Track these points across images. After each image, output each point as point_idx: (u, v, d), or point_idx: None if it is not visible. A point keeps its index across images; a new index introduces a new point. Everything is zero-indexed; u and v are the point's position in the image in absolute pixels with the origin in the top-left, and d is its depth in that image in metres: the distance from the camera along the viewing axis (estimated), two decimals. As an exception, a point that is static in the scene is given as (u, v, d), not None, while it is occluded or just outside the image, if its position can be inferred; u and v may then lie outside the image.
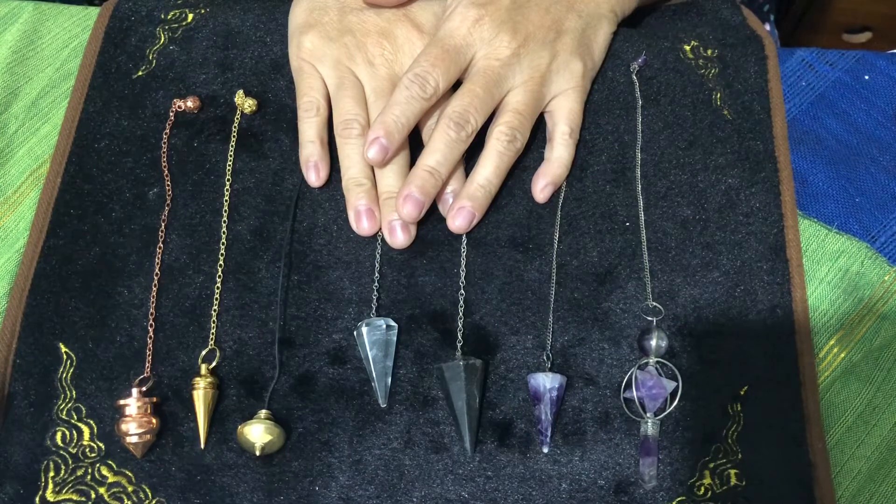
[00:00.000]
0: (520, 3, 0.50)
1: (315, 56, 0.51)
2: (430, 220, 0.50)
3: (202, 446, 0.44)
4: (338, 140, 0.50)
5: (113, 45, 0.55)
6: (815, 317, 0.48)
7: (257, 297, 0.48)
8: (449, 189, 0.49)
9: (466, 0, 0.49)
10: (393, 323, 0.47)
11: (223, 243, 0.49)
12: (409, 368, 0.46)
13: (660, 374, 0.45)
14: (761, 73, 0.55)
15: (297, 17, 0.53)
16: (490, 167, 0.49)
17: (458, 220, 0.48)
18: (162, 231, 0.49)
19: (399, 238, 0.49)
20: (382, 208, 0.49)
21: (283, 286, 0.48)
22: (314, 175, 0.50)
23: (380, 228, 0.49)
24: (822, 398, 0.46)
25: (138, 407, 0.44)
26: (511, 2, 0.49)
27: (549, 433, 0.44)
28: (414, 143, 0.51)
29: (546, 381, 0.44)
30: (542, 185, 0.50)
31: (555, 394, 0.44)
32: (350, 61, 0.51)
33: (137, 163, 0.51)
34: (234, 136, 0.52)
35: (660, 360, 0.45)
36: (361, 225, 0.49)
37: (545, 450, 0.44)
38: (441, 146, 0.47)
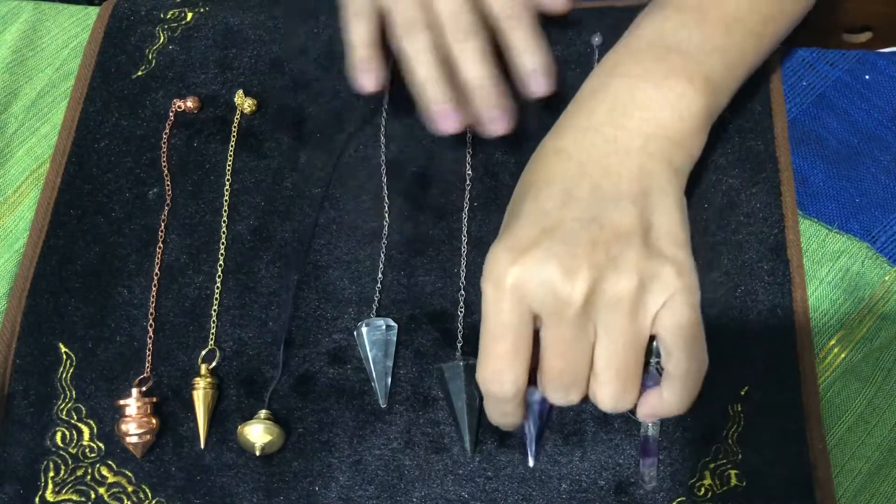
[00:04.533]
0: (562, 227, 0.39)
1: None
2: (431, 219, 0.50)
3: (202, 446, 0.44)
4: (401, 41, 0.46)
5: (112, 44, 0.55)
6: (816, 317, 0.48)
7: (257, 297, 0.48)
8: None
9: (498, 249, 0.39)
10: (393, 323, 0.47)
11: (223, 243, 0.49)
12: (409, 368, 0.46)
13: (660, 374, 0.45)
14: (762, 73, 0.54)
15: None
16: None
17: None
18: (162, 231, 0.49)
19: (499, 127, 0.46)
20: (475, 97, 0.45)
21: (293, 284, 0.48)
22: (367, 78, 0.47)
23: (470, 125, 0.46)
24: (822, 398, 0.46)
25: (138, 407, 0.44)
26: (545, 228, 0.39)
27: (533, 447, 0.43)
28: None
29: (533, 395, 0.43)
30: (654, 416, 0.42)
31: (537, 407, 0.43)
32: None
33: (137, 163, 0.51)
34: (233, 136, 0.52)
35: (660, 360, 0.45)
36: (446, 125, 0.45)
37: (531, 463, 0.43)
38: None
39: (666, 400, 0.40)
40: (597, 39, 0.54)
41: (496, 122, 0.46)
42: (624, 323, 0.38)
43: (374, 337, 0.46)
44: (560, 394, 0.39)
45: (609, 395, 0.39)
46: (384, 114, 0.53)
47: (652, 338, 0.45)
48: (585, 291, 0.37)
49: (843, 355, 0.47)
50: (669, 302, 0.38)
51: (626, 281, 0.37)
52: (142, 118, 0.53)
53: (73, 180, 0.51)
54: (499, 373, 0.38)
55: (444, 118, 0.46)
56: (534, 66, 0.47)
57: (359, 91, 0.48)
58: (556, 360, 0.39)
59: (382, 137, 0.52)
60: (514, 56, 0.47)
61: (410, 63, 0.46)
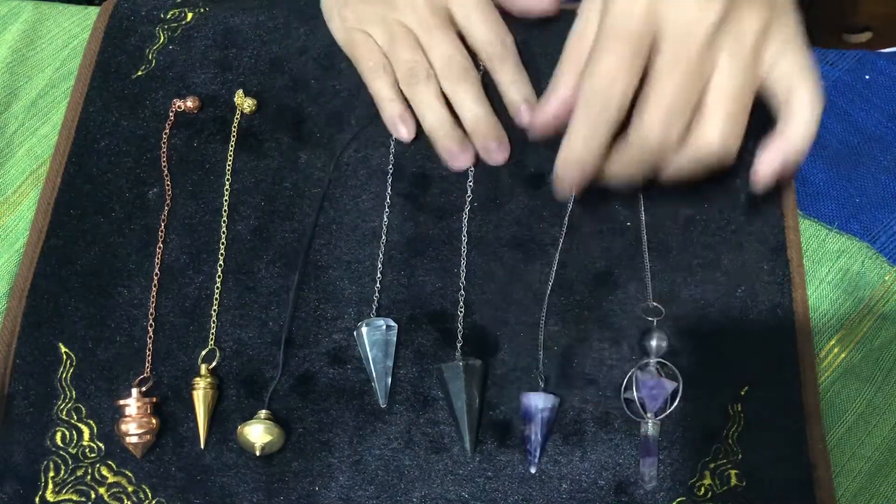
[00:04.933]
0: None
1: (362, 21, 0.52)
2: (431, 219, 0.50)
3: (202, 446, 0.44)
4: (407, 91, 0.51)
5: (112, 44, 0.55)
6: (816, 317, 0.48)
7: (257, 297, 0.48)
8: None
9: None
10: (393, 323, 0.47)
11: (223, 243, 0.49)
12: (409, 368, 0.46)
13: (660, 375, 0.45)
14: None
15: None
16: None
17: None
18: (162, 231, 0.49)
19: (499, 157, 0.50)
20: (474, 133, 0.50)
21: (293, 284, 0.48)
22: (404, 129, 0.51)
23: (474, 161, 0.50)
24: (822, 398, 0.46)
25: (138, 407, 0.44)
26: None
27: (537, 453, 0.44)
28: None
29: (538, 402, 0.44)
30: (774, 163, 0.43)
31: (546, 414, 0.44)
32: (394, 12, 0.51)
33: (137, 163, 0.51)
34: (233, 136, 0.52)
35: (660, 360, 0.45)
36: (457, 163, 0.50)
37: (532, 470, 0.44)
38: (620, 170, 0.44)
39: (793, 135, 0.42)
40: None
41: (495, 153, 0.50)
42: (746, 60, 0.40)
43: (374, 337, 0.46)
44: (663, 124, 0.40)
45: (719, 131, 0.41)
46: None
47: (651, 334, 0.45)
48: (715, 20, 0.39)
49: (843, 355, 0.47)
50: (788, 47, 0.41)
51: (755, 19, 0.40)
52: (142, 118, 0.53)
53: (73, 180, 0.51)
54: (613, 79, 0.40)
55: (453, 158, 0.50)
56: (519, 99, 0.50)
57: (399, 139, 0.51)
58: (670, 85, 0.39)
59: (389, 140, 0.52)
60: (502, 91, 0.51)
61: (418, 111, 0.51)
